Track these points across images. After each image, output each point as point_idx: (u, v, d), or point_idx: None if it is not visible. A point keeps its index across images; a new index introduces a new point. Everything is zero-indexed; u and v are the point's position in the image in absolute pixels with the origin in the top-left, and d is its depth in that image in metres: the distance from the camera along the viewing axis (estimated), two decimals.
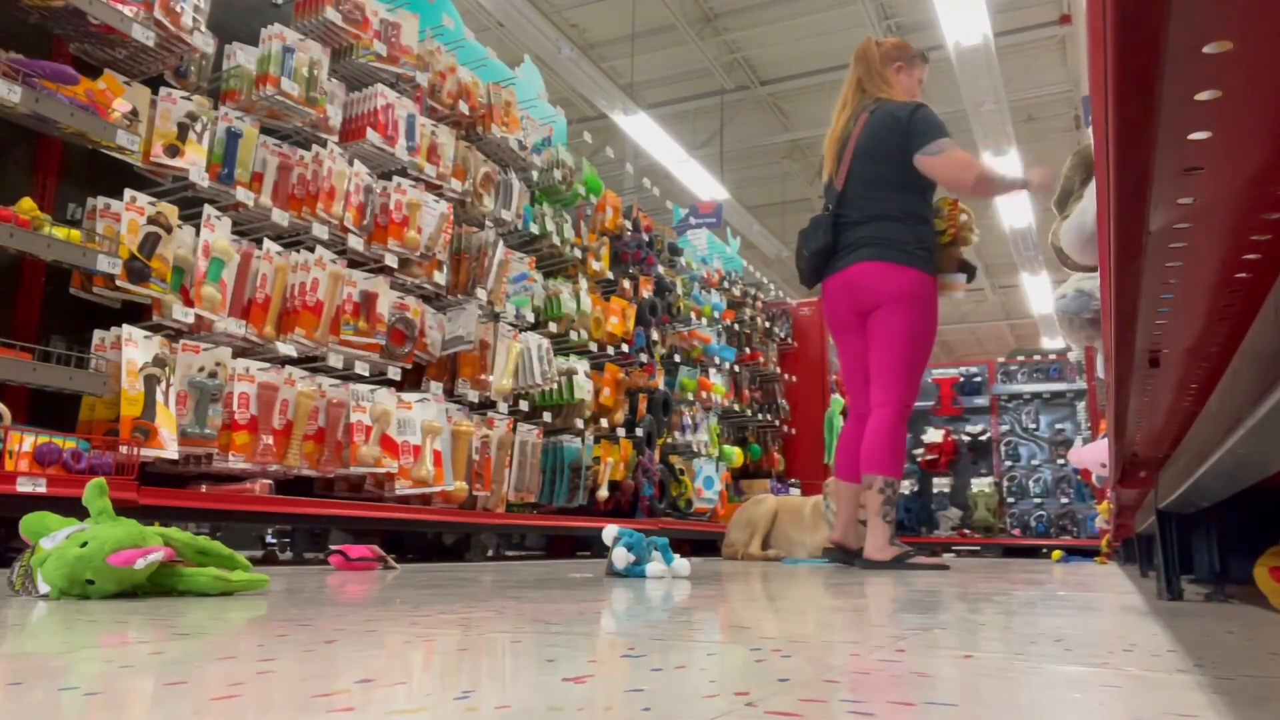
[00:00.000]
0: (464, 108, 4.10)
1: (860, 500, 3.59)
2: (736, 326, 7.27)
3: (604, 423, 4.99)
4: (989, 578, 2.80)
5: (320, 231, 3.26)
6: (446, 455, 3.63)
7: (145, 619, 1.12)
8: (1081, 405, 8.43)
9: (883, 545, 3.39)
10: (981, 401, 8.92)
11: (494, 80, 4.41)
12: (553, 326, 4.64)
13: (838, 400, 8.28)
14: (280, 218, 3.15)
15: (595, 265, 5.08)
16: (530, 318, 4.45)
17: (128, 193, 2.69)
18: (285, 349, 3.11)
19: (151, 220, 2.71)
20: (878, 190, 3.61)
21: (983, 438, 8.86)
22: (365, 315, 3.35)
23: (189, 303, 2.82)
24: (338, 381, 3.26)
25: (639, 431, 5.32)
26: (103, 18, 2.60)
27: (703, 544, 6.04)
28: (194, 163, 2.88)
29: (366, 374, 3.38)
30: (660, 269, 5.85)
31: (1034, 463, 8.61)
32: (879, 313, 3.52)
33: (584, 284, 4.92)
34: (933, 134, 3.51)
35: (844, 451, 3.73)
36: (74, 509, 1.54)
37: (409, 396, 3.54)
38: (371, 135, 3.47)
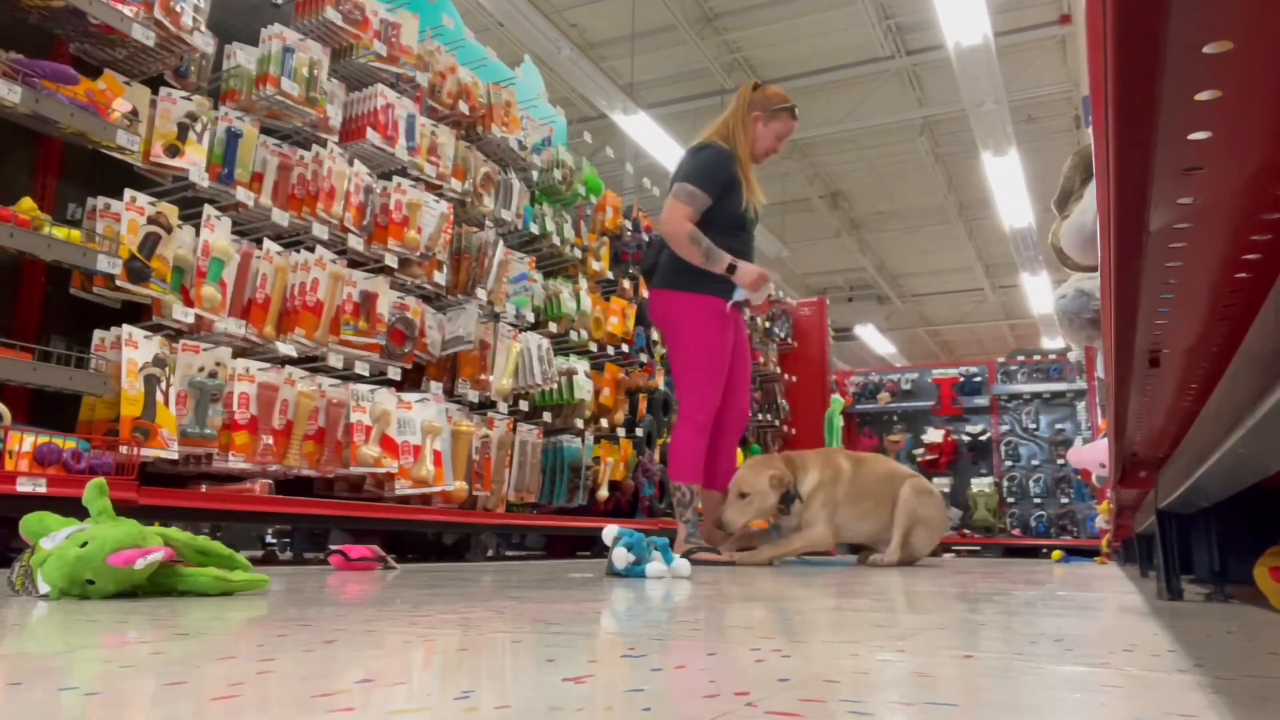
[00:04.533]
0: (464, 108, 4.10)
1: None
2: None
3: (604, 423, 4.99)
4: (989, 578, 2.80)
5: (320, 231, 3.26)
6: (446, 455, 3.63)
7: (145, 619, 1.12)
8: (1081, 405, 8.44)
9: (680, 542, 3.61)
10: (981, 401, 8.92)
11: (494, 80, 4.41)
12: (553, 326, 4.64)
13: (838, 400, 8.28)
14: (280, 218, 3.15)
15: (595, 265, 5.08)
16: (530, 318, 4.45)
17: (128, 193, 2.69)
18: (285, 349, 3.11)
19: (151, 220, 2.71)
20: None
21: (983, 438, 8.86)
22: (365, 315, 3.35)
23: (189, 303, 2.81)
24: (338, 381, 3.26)
25: (639, 431, 5.32)
26: (103, 18, 2.60)
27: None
28: (194, 163, 2.88)
29: (366, 374, 3.38)
30: None
31: (1034, 463, 8.61)
32: (665, 335, 3.91)
33: (584, 284, 4.92)
34: (689, 176, 3.66)
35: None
36: (74, 509, 1.54)
37: (409, 396, 3.54)
38: (371, 135, 3.47)
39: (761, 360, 7.56)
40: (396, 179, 3.59)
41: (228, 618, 1.16)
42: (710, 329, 3.70)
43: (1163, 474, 1.77)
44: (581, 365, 4.73)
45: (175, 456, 2.63)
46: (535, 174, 4.70)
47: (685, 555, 3.29)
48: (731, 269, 3.59)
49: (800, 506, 3.76)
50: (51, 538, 1.43)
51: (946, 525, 4.01)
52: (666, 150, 9.88)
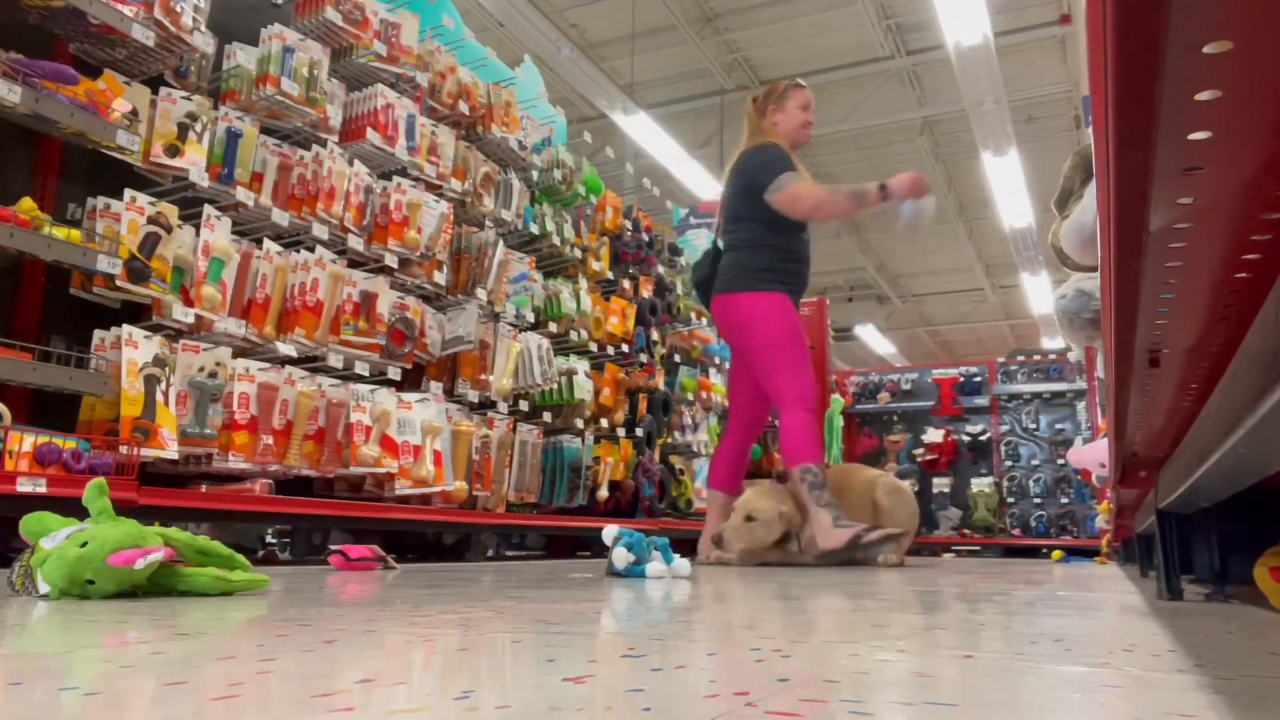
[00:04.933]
0: (464, 108, 4.10)
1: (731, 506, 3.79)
2: None
3: (604, 423, 4.99)
4: (989, 578, 2.80)
5: (320, 231, 3.26)
6: (446, 455, 3.63)
7: (145, 619, 1.12)
8: (1081, 405, 8.44)
9: (829, 530, 3.40)
10: (981, 401, 8.92)
11: (494, 80, 4.41)
12: (553, 326, 4.64)
13: (838, 400, 8.29)
14: (280, 218, 3.15)
15: (595, 265, 5.08)
16: (530, 318, 4.45)
17: (128, 193, 2.69)
18: (285, 349, 3.11)
19: (151, 220, 2.71)
20: (737, 224, 3.89)
21: (983, 438, 8.86)
22: (365, 315, 3.35)
23: (189, 303, 2.82)
24: (338, 381, 3.26)
25: (639, 431, 5.32)
26: (103, 18, 2.60)
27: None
28: (194, 163, 2.88)
29: (366, 374, 3.38)
30: (660, 269, 5.85)
31: (1034, 463, 8.61)
32: (735, 341, 3.88)
33: (584, 284, 4.92)
34: (770, 172, 3.74)
35: (719, 461, 3.99)
36: (74, 509, 1.54)
37: (409, 396, 3.54)
38: (371, 135, 3.47)
39: None
40: (396, 179, 3.59)
41: (228, 618, 1.16)
42: (786, 319, 3.73)
43: (1163, 474, 1.77)
44: (581, 365, 4.73)
45: (175, 456, 2.63)
46: (535, 174, 4.70)
47: (851, 543, 3.34)
48: (883, 187, 3.63)
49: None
50: (51, 538, 1.43)
51: (915, 519, 3.99)
52: (666, 150, 9.88)
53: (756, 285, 3.76)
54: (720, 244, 3.96)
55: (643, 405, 5.40)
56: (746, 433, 3.99)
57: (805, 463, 3.53)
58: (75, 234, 2.46)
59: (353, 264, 3.42)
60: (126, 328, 2.63)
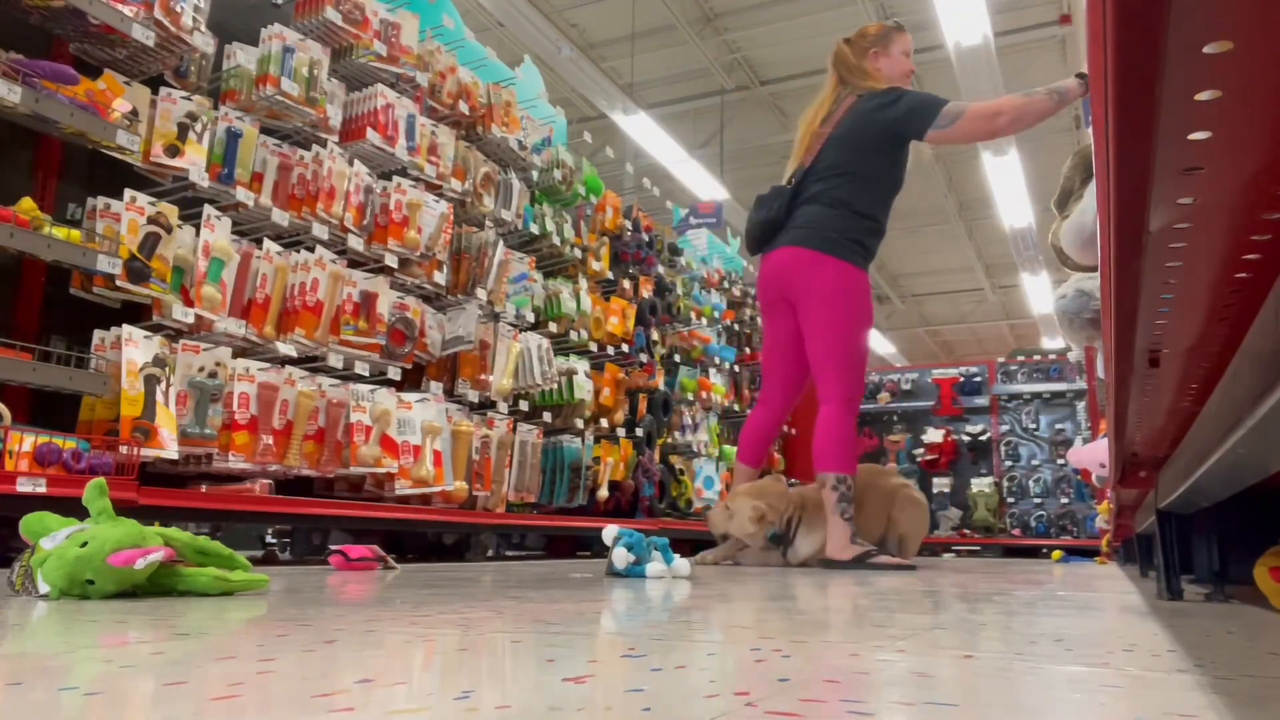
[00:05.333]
0: (464, 108, 4.10)
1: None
2: (736, 326, 7.27)
3: (604, 423, 4.99)
4: (989, 578, 2.80)
5: (320, 231, 3.26)
6: (446, 455, 3.63)
7: (145, 619, 1.12)
8: (1081, 405, 8.44)
9: (844, 544, 3.31)
10: (981, 401, 8.92)
11: (494, 80, 4.41)
12: (553, 326, 4.64)
13: None
14: (280, 218, 3.15)
15: (595, 265, 5.08)
16: (530, 318, 4.45)
17: (128, 193, 2.69)
18: (285, 349, 3.11)
19: (151, 220, 2.71)
20: (838, 179, 3.49)
21: (983, 438, 8.86)
22: (365, 315, 3.35)
23: (189, 303, 2.82)
24: (338, 381, 3.26)
25: (639, 431, 5.32)
26: (103, 18, 2.60)
27: (703, 544, 6.03)
28: (194, 163, 2.88)
29: (366, 374, 3.38)
30: (660, 269, 5.85)
31: (1034, 463, 8.61)
32: (804, 304, 3.44)
33: (584, 284, 4.92)
34: (927, 109, 3.39)
35: (747, 433, 3.69)
36: (74, 509, 1.54)
37: (409, 396, 3.54)
38: (371, 135, 3.47)
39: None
40: (396, 179, 3.59)
41: (228, 618, 1.16)
42: (870, 307, 3.48)
43: (1163, 474, 1.77)
44: (581, 365, 4.73)
45: (175, 456, 2.63)
46: (535, 174, 4.70)
47: (857, 561, 3.23)
48: (1082, 76, 3.24)
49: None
50: (51, 538, 1.43)
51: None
52: (666, 150, 9.88)
53: (851, 255, 3.40)
54: (800, 189, 3.54)
55: (643, 405, 5.40)
56: (783, 406, 3.67)
57: (841, 472, 3.33)
58: (75, 234, 2.46)
59: (353, 264, 3.42)
60: (126, 328, 2.63)
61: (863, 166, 3.48)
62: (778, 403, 3.63)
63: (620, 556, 2.41)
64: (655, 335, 5.64)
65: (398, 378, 3.57)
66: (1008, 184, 10.24)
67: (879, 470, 4.11)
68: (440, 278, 3.78)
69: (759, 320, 7.59)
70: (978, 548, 8.43)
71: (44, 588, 1.39)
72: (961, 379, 9.07)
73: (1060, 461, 8.35)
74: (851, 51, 3.67)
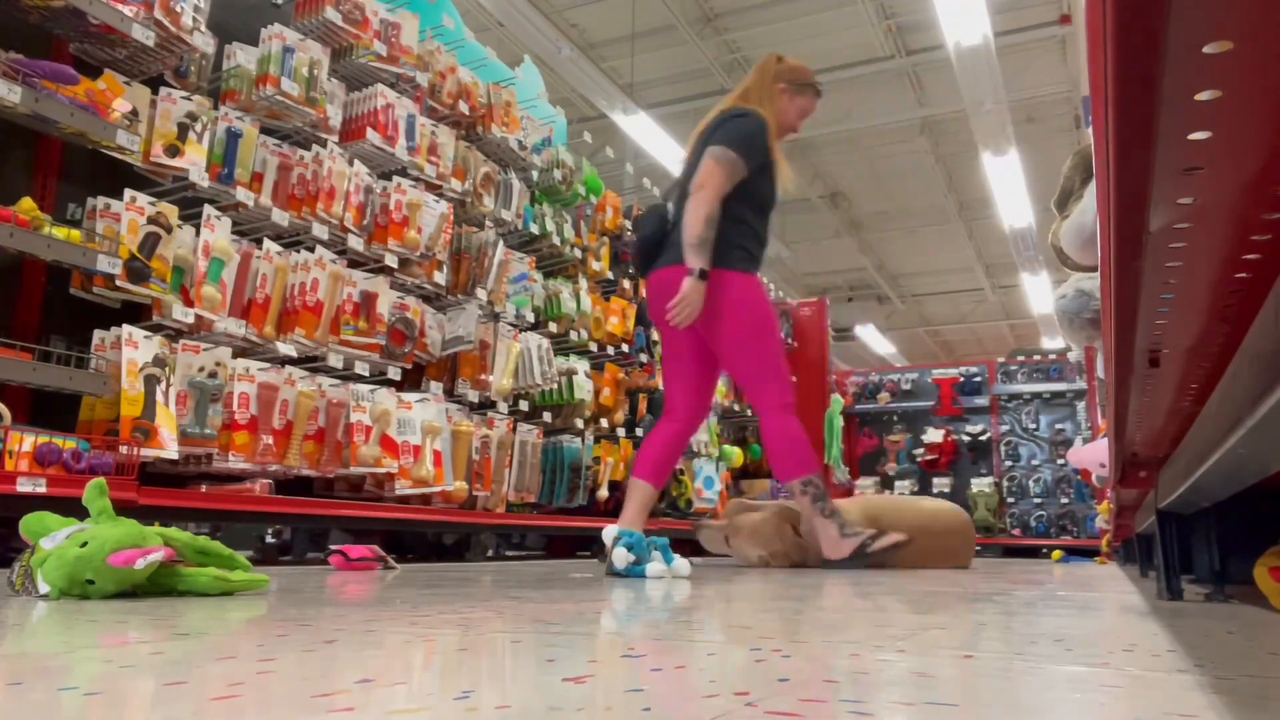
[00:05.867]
0: (464, 108, 4.10)
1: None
2: None
3: (604, 423, 4.99)
4: (989, 578, 2.80)
5: (320, 231, 3.26)
6: (446, 455, 3.63)
7: (145, 619, 1.12)
8: (1081, 405, 8.44)
9: (836, 542, 3.18)
10: (981, 401, 8.93)
11: (494, 80, 4.41)
12: (553, 326, 4.64)
13: (838, 400, 8.28)
14: (280, 218, 3.15)
15: (595, 265, 5.08)
16: (530, 318, 4.45)
17: (128, 193, 2.69)
18: (285, 349, 3.11)
19: (151, 220, 2.71)
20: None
21: (983, 438, 8.86)
22: (365, 315, 3.35)
23: (189, 303, 2.82)
24: (338, 381, 3.26)
25: (639, 431, 5.32)
26: (103, 18, 2.60)
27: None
28: (194, 163, 2.88)
29: (366, 374, 3.38)
30: None
31: (1034, 463, 8.61)
32: (703, 324, 3.19)
33: (584, 284, 4.92)
34: (728, 139, 3.16)
35: (650, 449, 3.29)
36: (74, 509, 1.54)
37: (409, 396, 3.54)
38: (371, 135, 3.47)
39: None
40: (396, 179, 3.59)
41: (228, 618, 1.16)
42: (769, 310, 3.31)
43: (1163, 474, 1.77)
44: (581, 365, 4.73)
45: (175, 456, 2.63)
46: (535, 174, 4.70)
47: (857, 554, 3.14)
48: (703, 275, 3.07)
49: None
50: (51, 537, 1.43)
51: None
52: (666, 150, 9.88)
53: (735, 263, 3.20)
54: (673, 207, 3.34)
55: (643, 405, 5.40)
56: (687, 420, 3.35)
57: (805, 475, 3.17)
58: (75, 234, 2.46)
59: (353, 264, 3.42)
60: (126, 328, 2.63)
61: None
62: (682, 416, 3.35)
63: (620, 556, 2.41)
64: (655, 335, 5.63)
65: (398, 378, 3.57)
66: (1008, 184, 10.24)
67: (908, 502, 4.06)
68: (440, 278, 3.78)
69: None
70: (978, 548, 8.43)
71: (44, 588, 1.39)
72: (961, 379, 9.07)
73: (1060, 461, 8.36)
74: (774, 71, 3.50)
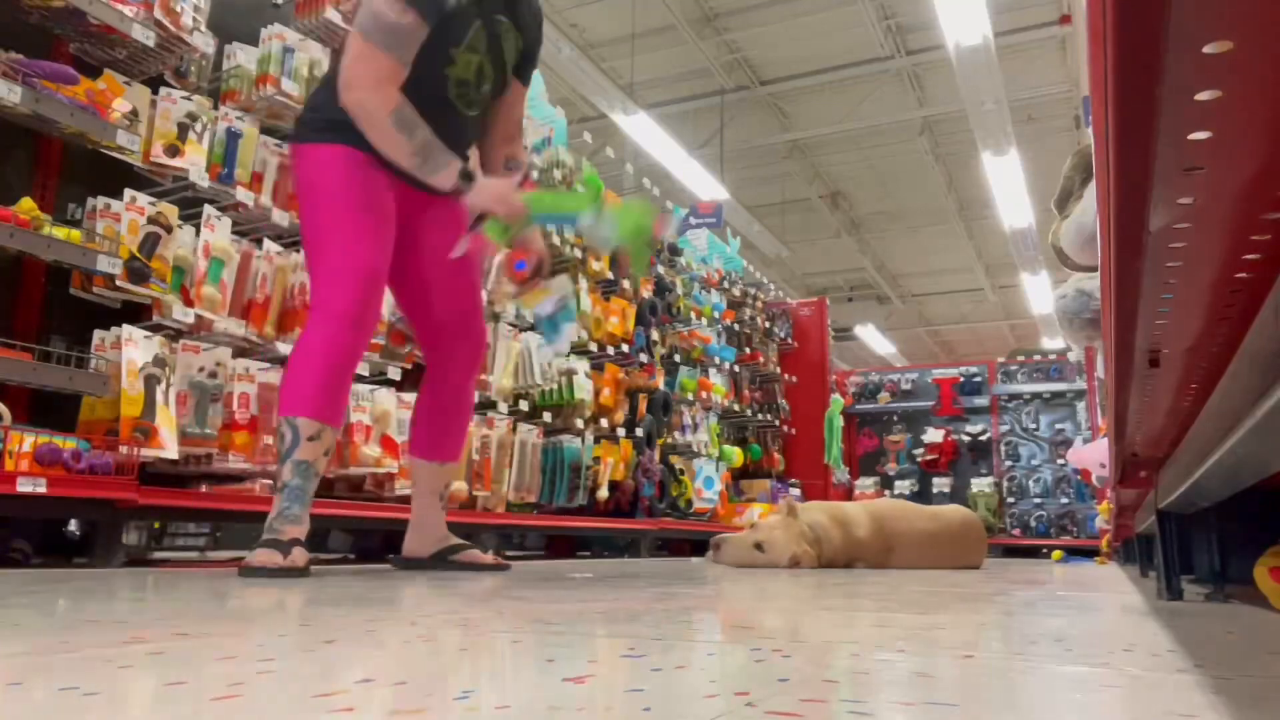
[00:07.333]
0: None
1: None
2: (736, 326, 7.27)
3: (604, 423, 4.99)
4: (989, 578, 2.80)
5: None
6: None
7: (146, 619, 1.12)
8: (1081, 405, 8.44)
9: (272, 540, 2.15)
10: (981, 401, 8.93)
11: None
12: None
13: (838, 400, 8.28)
14: (280, 218, 3.15)
15: (595, 265, 5.08)
16: (530, 318, 4.44)
17: (128, 193, 2.69)
18: (285, 349, 3.11)
19: (151, 220, 2.71)
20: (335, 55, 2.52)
21: (983, 438, 8.86)
22: None
23: (189, 303, 2.82)
24: None
25: (639, 431, 5.32)
26: (103, 18, 2.60)
27: (702, 544, 6.03)
28: (194, 163, 2.88)
29: (366, 374, 3.38)
30: (660, 269, 5.85)
31: (1034, 463, 8.62)
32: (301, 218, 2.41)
33: (584, 284, 4.92)
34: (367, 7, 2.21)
35: (419, 420, 2.62)
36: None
37: (409, 396, 3.54)
38: None
39: (761, 360, 7.56)
40: None
41: (228, 618, 1.16)
42: (351, 181, 2.28)
43: (1163, 474, 1.77)
44: (581, 365, 4.73)
45: (175, 456, 2.63)
46: (535, 174, 4.70)
47: (438, 556, 2.56)
48: (467, 176, 2.27)
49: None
50: None
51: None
52: (666, 150, 9.87)
53: (316, 135, 2.32)
54: None
55: (643, 405, 5.40)
56: (440, 373, 2.58)
57: (288, 414, 2.18)
58: (75, 234, 2.46)
59: None
60: (126, 328, 2.63)
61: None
62: (433, 372, 2.63)
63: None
64: (655, 335, 5.64)
65: (398, 378, 3.57)
66: (1008, 184, 10.24)
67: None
68: None
69: (758, 320, 7.59)
70: None
71: None
72: (961, 379, 9.08)
73: (1060, 461, 8.36)
74: None
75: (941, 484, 8.88)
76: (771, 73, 10.32)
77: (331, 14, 3.39)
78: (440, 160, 2.25)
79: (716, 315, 6.72)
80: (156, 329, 2.74)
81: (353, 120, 2.21)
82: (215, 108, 3.03)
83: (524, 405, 4.40)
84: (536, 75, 5.10)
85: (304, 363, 2.20)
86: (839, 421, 8.13)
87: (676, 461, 5.95)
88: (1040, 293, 13.36)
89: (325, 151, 2.32)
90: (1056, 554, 7.01)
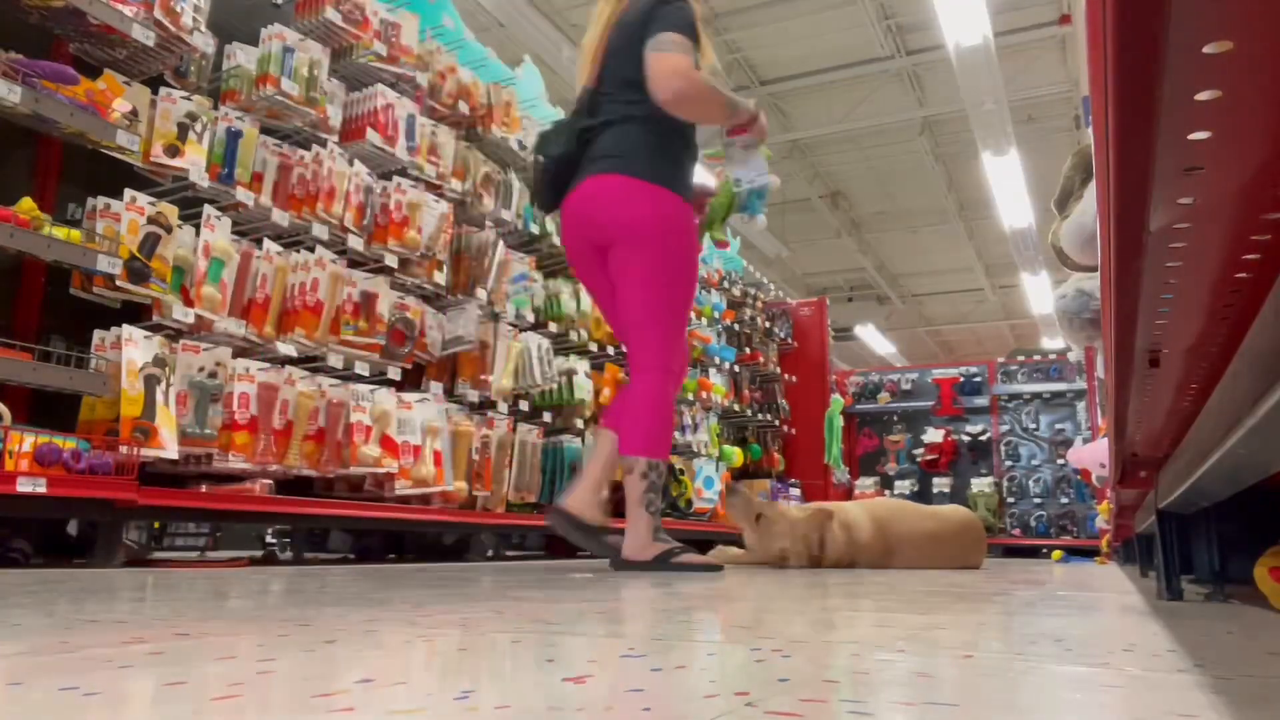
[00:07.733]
0: (464, 108, 4.10)
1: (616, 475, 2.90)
2: (736, 326, 7.27)
3: None
4: (989, 578, 2.80)
5: (320, 231, 3.26)
6: (446, 455, 3.63)
7: (145, 619, 1.12)
8: (1081, 405, 8.44)
9: (644, 543, 2.70)
10: (981, 401, 8.93)
11: (494, 80, 4.41)
12: (553, 326, 4.64)
13: (838, 400, 8.28)
14: (280, 218, 3.15)
15: None
16: (530, 318, 4.45)
17: (128, 193, 2.69)
18: (285, 349, 3.11)
19: (151, 220, 2.71)
20: (628, 92, 2.76)
21: (983, 438, 8.86)
22: (365, 315, 3.35)
23: (189, 303, 2.82)
24: (338, 381, 3.26)
25: None
26: (103, 18, 2.60)
27: (703, 544, 6.03)
28: (194, 163, 2.88)
29: (366, 374, 3.38)
30: None
31: (1034, 463, 8.62)
32: (617, 249, 2.74)
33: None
34: (668, 24, 2.66)
35: (618, 399, 2.96)
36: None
37: (409, 396, 3.54)
38: (371, 135, 3.47)
39: (761, 360, 7.56)
40: (396, 179, 3.59)
41: (228, 618, 1.16)
42: (688, 245, 2.76)
43: (1163, 474, 1.77)
44: (581, 365, 4.73)
45: (175, 456, 2.63)
46: None
47: (658, 561, 2.70)
48: (754, 118, 2.81)
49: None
50: None
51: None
52: None
53: (670, 182, 2.71)
54: (588, 113, 2.85)
55: None
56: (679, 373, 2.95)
57: (654, 458, 2.68)
58: (75, 234, 2.46)
59: (353, 264, 3.42)
60: (126, 328, 2.63)
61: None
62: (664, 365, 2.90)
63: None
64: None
65: (398, 378, 3.57)
66: (1008, 184, 10.25)
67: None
68: (440, 278, 3.78)
69: (758, 320, 7.59)
70: None
71: None
72: (961, 379, 9.08)
73: (1060, 461, 8.36)
74: None
75: (941, 484, 8.88)
76: (771, 72, 10.32)
77: (331, 14, 3.39)
78: (739, 105, 2.81)
79: (716, 315, 6.72)
80: (156, 329, 2.74)
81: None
82: (215, 108, 3.03)
83: (524, 405, 4.40)
84: (536, 75, 5.11)
85: (664, 414, 2.75)
86: (839, 421, 8.13)
87: (676, 461, 5.95)
88: (1040, 293, 13.36)
89: (687, 211, 2.79)
90: (1056, 554, 7.02)
